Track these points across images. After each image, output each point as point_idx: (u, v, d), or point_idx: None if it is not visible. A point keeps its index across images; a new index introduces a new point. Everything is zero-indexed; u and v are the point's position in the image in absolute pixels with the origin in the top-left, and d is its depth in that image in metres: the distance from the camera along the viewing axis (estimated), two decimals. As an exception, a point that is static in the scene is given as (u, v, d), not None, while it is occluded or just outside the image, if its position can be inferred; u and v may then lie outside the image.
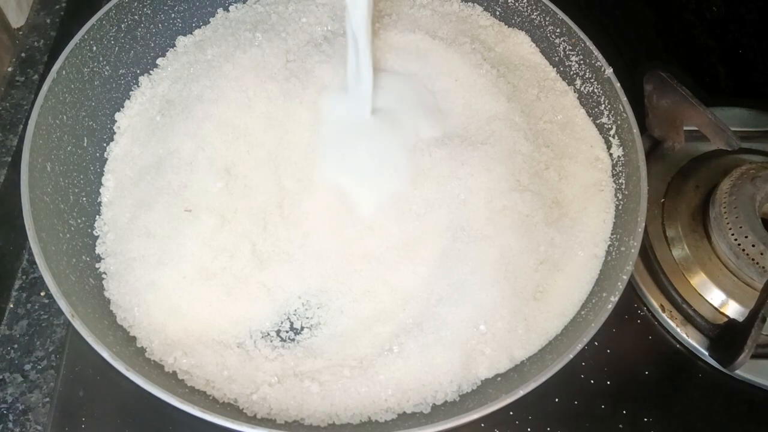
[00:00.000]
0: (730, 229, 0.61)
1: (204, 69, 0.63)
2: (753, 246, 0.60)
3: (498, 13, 0.71)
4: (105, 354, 0.45)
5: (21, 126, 0.62)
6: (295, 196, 0.59)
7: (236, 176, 0.58)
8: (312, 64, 0.64)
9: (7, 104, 0.64)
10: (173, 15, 0.67)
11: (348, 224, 0.58)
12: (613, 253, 0.57)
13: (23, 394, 0.55)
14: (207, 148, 0.58)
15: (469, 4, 0.72)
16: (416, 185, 0.59)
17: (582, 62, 0.65)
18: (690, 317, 0.61)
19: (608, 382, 0.59)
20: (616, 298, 0.51)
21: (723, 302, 0.62)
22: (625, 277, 0.52)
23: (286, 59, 0.64)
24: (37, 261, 0.48)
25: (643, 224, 0.55)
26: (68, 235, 0.55)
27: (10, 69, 0.66)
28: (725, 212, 0.62)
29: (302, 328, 0.56)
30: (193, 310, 0.54)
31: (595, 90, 0.65)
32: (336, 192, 0.59)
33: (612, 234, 0.59)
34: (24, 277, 0.60)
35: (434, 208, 0.59)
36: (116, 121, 0.63)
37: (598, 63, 0.63)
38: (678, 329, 0.61)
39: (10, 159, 0.60)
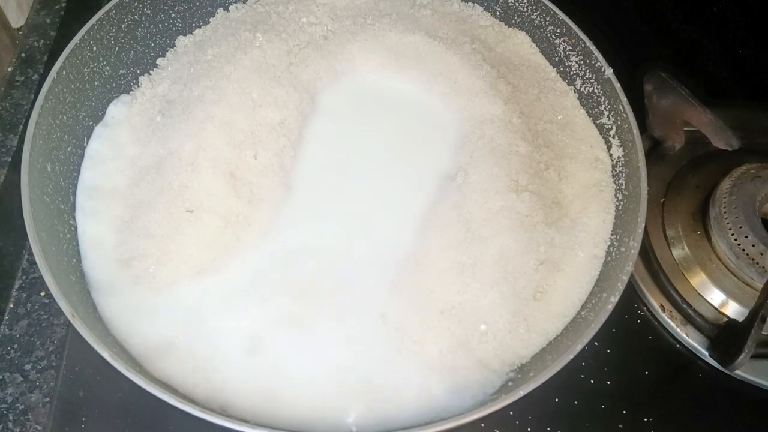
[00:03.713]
0: (730, 229, 0.61)
1: (204, 69, 0.63)
2: (753, 246, 0.60)
3: (498, 13, 0.71)
4: (105, 354, 0.45)
5: (21, 126, 0.62)
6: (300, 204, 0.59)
7: (240, 179, 0.58)
8: (316, 69, 0.64)
9: (7, 104, 0.64)
10: (173, 15, 0.67)
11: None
12: (613, 254, 0.57)
13: (23, 394, 0.55)
14: (209, 149, 0.58)
15: (470, 4, 0.72)
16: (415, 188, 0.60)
17: (582, 62, 0.65)
18: (690, 317, 0.61)
19: (608, 382, 0.59)
20: (616, 299, 0.51)
21: (723, 302, 0.62)
22: (625, 277, 0.52)
23: (288, 62, 0.64)
24: (38, 261, 0.48)
25: (643, 224, 0.55)
26: (68, 235, 0.55)
27: (10, 69, 0.66)
28: (725, 212, 0.62)
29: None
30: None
31: (595, 90, 0.65)
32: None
33: (612, 234, 0.59)
34: (24, 277, 0.60)
35: (432, 208, 0.59)
36: (116, 121, 0.63)
37: (598, 63, 0.63)
38: (678, 329, 0.61)
39: (10, 159, 0.60)
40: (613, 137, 0.63)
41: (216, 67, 0.62)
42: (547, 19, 0.67)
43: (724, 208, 0.62)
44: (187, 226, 0.55)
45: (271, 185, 0.59)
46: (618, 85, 0.62)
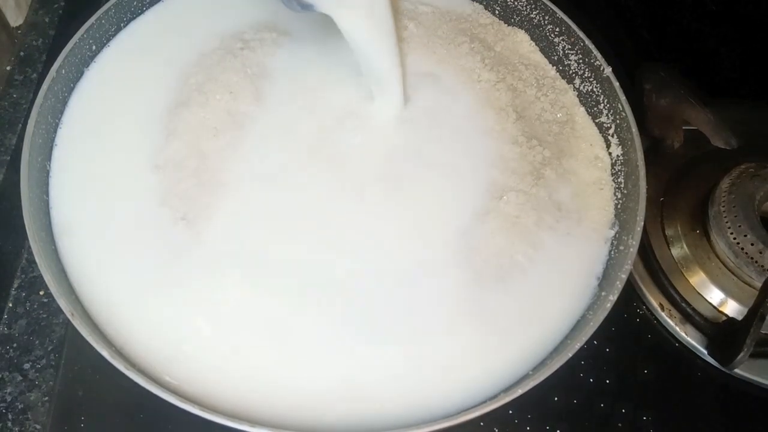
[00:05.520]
0: (729, 227, 0.61)
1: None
2: (752, 245, 0.60)
3: (497, 12, 0.71)
4: (105, 353, 0.45)
5: (20, 125, 0.62)
6: None
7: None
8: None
9: (6, 103, 0.64)
10: (172, 14, 0.67)
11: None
12: (612, 252, 0.57)
13: (22, 393, 0.54)
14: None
15: (469, 2, 0.72)
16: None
17: (581, 61, 0.65)
18: (689, 316, 0.61)
19: (607, 381, 0.59)
20: (615, 297, 0.51)
21: (722, 301, 0.62)
22: (624, 276, 0.52)
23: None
24: (37, 260, 0.48)
25: (642, 223, 0.55)
26: (67, 234, 0.55)
27: (8, 68, 0.66)
28: (724, 211, 0.62)
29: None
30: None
31: (594, 89, 0.65)
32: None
33: (611, 233, 0.59)
34: (23, 276, 0.60)
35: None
36: (115, 120, 0.63)
37: (597, 62, 0.63)
38: (677, 328, 0.61)
39: (9, 158, 0.60)
40: (612, 136, 0.63)
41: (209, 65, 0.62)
42: (546, 17, 0.67)
43: (723, 206, 0.62)
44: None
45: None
46: (617, 84, 0.62)
